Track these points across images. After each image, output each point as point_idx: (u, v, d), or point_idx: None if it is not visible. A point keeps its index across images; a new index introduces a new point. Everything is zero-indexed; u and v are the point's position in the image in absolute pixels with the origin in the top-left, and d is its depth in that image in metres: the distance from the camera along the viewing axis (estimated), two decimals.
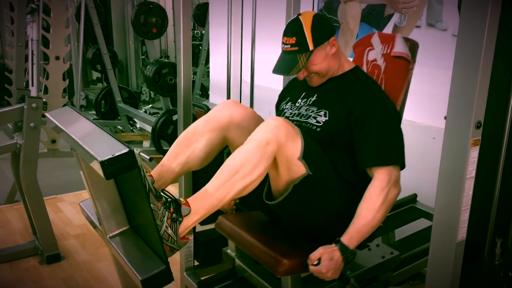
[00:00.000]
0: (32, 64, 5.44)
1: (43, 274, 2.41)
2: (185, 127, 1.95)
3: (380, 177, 1.46)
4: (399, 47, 1.70)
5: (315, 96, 1.64)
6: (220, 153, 1.65)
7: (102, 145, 1.09)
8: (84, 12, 4.23)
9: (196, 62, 5.00)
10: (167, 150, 3.58)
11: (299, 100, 1.69)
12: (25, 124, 2.31)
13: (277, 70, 1.60)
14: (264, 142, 1.34)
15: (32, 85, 4.90)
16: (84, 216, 1.52)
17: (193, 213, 1.31)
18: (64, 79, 3.31)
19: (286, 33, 1.57)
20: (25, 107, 2.30)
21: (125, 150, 1.04)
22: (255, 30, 2.14)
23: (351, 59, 1.81)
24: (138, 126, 5.00)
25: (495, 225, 1.31)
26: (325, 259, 1.39)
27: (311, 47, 1.54)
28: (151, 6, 4.04)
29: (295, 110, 1.67)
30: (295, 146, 1.39)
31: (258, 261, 1.58)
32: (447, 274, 1.20)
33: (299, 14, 1.58)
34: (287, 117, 1.67)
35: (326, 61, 1.59)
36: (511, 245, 1.35)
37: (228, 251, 1.80)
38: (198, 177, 1.81)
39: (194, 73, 5.08)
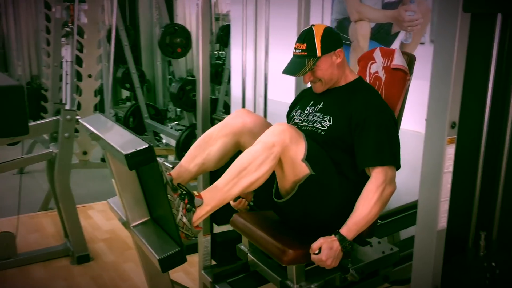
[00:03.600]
0: (66, 83, 5.77)
1: (73, 273, 2.61)
2: None
3: (376, 176, 1.61)
4: (398, 60, 1.87)
5: (321, 104, 1.82)
6: (234, 156, 1.84)
7: (126, 142, 1.29)
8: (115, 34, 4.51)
9: (219, 80, 5.23)
10: None
11: (308, 108, 1.86)
12: (60, 135, 2.55)
13: (286, 71, 1.80)
14: (270, 144, 1.52)
15: (65, 103, 5.23)
16: (111, 210, 1.71)
17: (205, 204, 1.49)
18: (95, 96, 3.56)
19: (299, 40, 1.78)
20: (60, 119, 2.54)
21: (146, 145, 1.23)
22: (268, 50, 2.32)
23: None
24: (164, 142, 5.23)
25: (479, 219, 1.43)
26: (325, 248, 1.54)
27: (318, 54, 1.73)
28: (176, 27, 4.30)
29: (304, 116, 1.84)
30: (298, 148, 1.56)
31: (267, 253, 1.74)
32: (430, 259, 1.34)
33: (313, 25, 1.79)
34: (296, 123, 1.84)
35: (330, 69, 1.77)
36: (495, 238, 1.47)
37: (242, 247, 1.97)
38: (216, 176, 1.99)
39: (218, 91, 5.31)
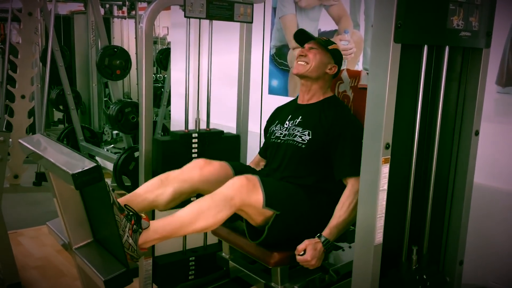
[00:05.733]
0: None
1: None
2: (146, 161, 2.14)
3: (353, 184, 1.75)
4: (364, 80, 2.02)
5: (299, 118, 1.95)
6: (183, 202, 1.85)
7: (72, 161, 1.27)
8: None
9: (158, 103, 5.21)
10: (128, 186, 3.70)
11: (287, 122, 1.99)
12: None
13: (302, 29, 2.06)
14: (229, 197, 1.61)
15: None
16: (50, 233, 1.66)
17: (154, 232, 1.51)
18: (29, 118, 3.44)
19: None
20: None
21: (93, 164, 1.23)
22: (211, 73, 2.37)
23: None
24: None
25: (411, 234, 1.54)
26: (309, 249, 1.66)
27: (328, 48, 1.94)
28: (115, 49, 4.27)
29: (284, 130, 1.97)
30: (257, 198, 1.67)
31: (252, 257, 1.82)
32: (368, 274, 1.41)
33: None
34: (277, 137, 1.97)
35: (321, 66, 1.94)
36: (426, 252, 1.57)
37: (223, 254, 2.03)
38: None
39: (156, 114, 5.28)
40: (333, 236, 1.71)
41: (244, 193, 1.64)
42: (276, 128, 2.02)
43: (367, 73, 2.01)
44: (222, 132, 2.31)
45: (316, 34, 2.90)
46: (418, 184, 1.52)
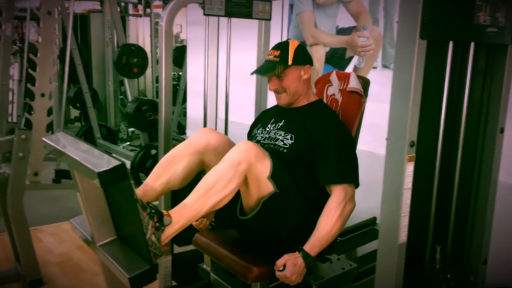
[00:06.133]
0: (12, 102, 5.58)
1: None
2: None
3: (337, 193, 1.67)
4: (353, 83, 1.96)
5: (282, 122, 1.87)
6: (198, 175, 1.85)
7: (98, 160, 1.29)
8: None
9: (173, 101, 5.24)
10: None
11: (269, 125, 1.91)
12: (14, 154, 2.47)
13: (256, 71, 1.89)
14: (236, 162, 1.56)
15: (17, 122, 5.05)
16: (73, 230, 1.68)
17: (173, 223, 1.50)
18: (48, 116, 3.48)
19: (273, 48, 1.86)
20: (14, 138, 2.47)
21: (118, 163, 1.24)
22: (230, 71, 2.38)
23: None
24: None
25: (435, 233, 1.52)
26: (289, 264, 1.58)
27: (290, 62, 1.79)
28: (132, 48, 4.30)
29: (266, 134, 1.89)
30: (264, 166, 1.61)
31: (231, 271, 1.76)
32: (392, 272, 1.40)
33: (289, 39, 1.85)
34: (258, 141, 1.88)
35: (297, 82, 1.83)
36: (450, 251, 1.56)
37: (204, 266, 1.97)
38: (178, 193, 1.99)
39: (172, 112, 5.30)
40: (315, 251, 1.63)
41: (252, 156, 1.57)
42: (258, 132, 1.93)
43: (357, 76, 1.97)
44: None
45: (334, 31, 2.88)
46: (442, 182, 1.50)
